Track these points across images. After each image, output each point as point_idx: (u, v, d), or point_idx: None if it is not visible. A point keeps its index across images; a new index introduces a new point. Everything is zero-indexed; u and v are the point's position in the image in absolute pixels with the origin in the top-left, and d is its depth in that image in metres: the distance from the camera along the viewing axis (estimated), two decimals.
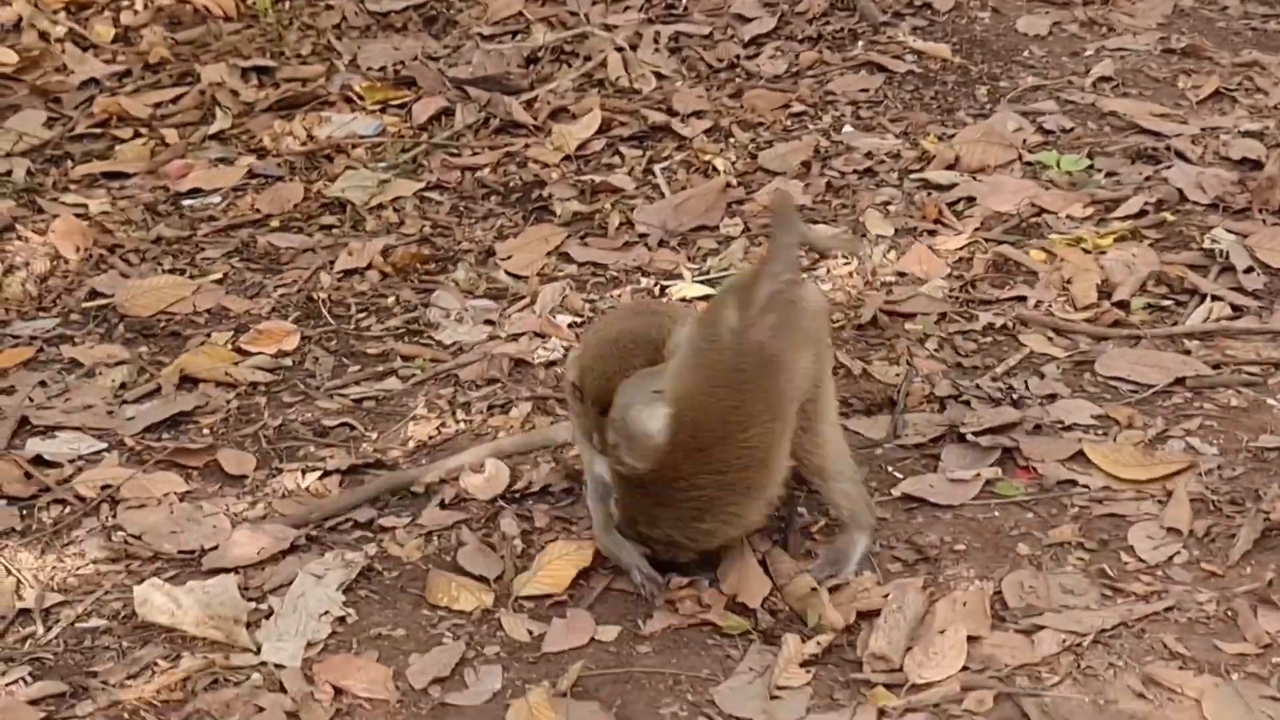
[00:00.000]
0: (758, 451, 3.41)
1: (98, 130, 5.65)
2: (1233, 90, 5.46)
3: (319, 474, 3.98)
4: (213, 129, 5.60)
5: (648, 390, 3.47)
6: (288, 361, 4.43)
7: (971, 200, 4.90)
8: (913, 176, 5.06)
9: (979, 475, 3.80)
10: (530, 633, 3.46)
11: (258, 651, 3.44)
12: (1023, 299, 4.46)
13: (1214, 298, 4.41)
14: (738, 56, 5.78)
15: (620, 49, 5.78)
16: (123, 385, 4.36)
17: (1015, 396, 4.05)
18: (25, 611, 3.61)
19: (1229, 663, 3.30)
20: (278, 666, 3.39)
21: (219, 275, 4.82)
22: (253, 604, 3.56)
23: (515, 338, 4.44)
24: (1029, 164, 5.07)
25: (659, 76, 5.70)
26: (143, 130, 5.63)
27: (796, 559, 3.56)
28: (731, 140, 5.31)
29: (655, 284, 4.64)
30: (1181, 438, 3.91)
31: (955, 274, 4.57)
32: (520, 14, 6.07)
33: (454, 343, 4.47)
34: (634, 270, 4.72)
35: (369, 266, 4.79)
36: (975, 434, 3.90)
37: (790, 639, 3.34)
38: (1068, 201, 4.84)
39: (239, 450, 4.08)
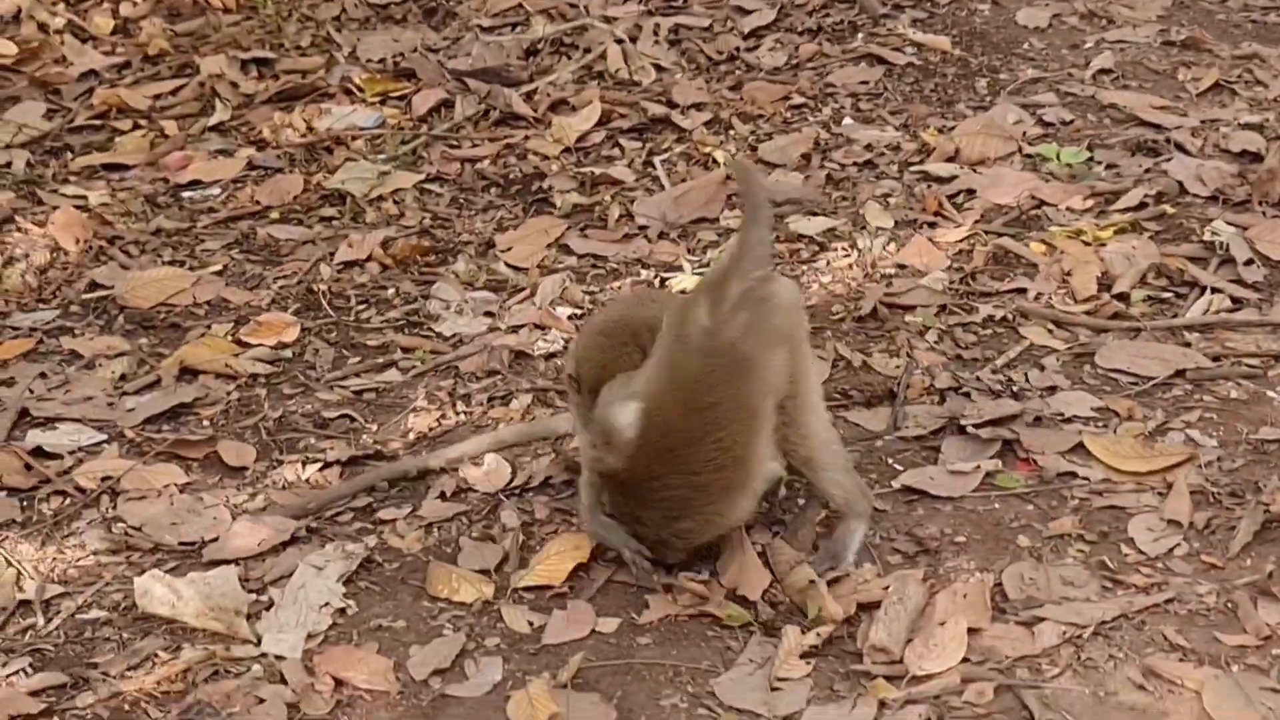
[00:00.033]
0: (732, 451, 3.40)
1: (97, 122, 5.65)
2: (1233, 83, 5.46)
3: (319, 465, 3.98)
4: (212, 121, 5.60)
5: (628, 390, 3.48)
6: (288, 353, 4.43)
7: (971, 192, 4.90)
8: (913, 169, 5.06)
9: (979, 467, 3.80)
10: (530, 624, 3.46)
11: (258, 643, 3.44)
12: (1023, 291, 4.46)
13: (1214, 290, 4.41)
14: (737, 49, 5.78)
15: (620, 41, 5.78)
16: (123, 377, 4.36)
17: (1015, 389, 4.06)
18: (26, 603, 3.61)
19: (1229, 654, 3.30)
20: (278, 658, 3.39)
21: (219, 267, 4.82)
22: (253, 595, 3.56)
23: (515, 330, 4.44)
24: (1029, 156, 5.07)
25: (659, 69, 5.70)
26: (142, 122, 5.63)
27: (802, 551, 3.56)
28: (731, 132, 5.31)
29: (655, 276, 4.64)
30: (1181, 430, 3.91)
31: (955, 266, 4.57)
32: (520, 6, 6.07)
33: (454, 334, 4.47)
34: (634, 262, 4.72)
35: (369, 258, 4.79)
36: (975, 426, 3.90)
37: (790, 631, 3.34)
38: (1068, 194, 4.84)
39: (239, 442, 4.08)
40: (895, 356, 4.21)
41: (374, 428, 4.12)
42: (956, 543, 3.62)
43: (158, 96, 5.75)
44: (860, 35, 5.81)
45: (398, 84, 5.71)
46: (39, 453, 4.06)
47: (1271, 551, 3.55)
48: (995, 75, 5.56)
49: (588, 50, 5.79)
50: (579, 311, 4.48)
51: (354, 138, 5.42)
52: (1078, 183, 4.91)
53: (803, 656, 3.32)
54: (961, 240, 4.67)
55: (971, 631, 3.35)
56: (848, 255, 4.66)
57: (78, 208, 5.09)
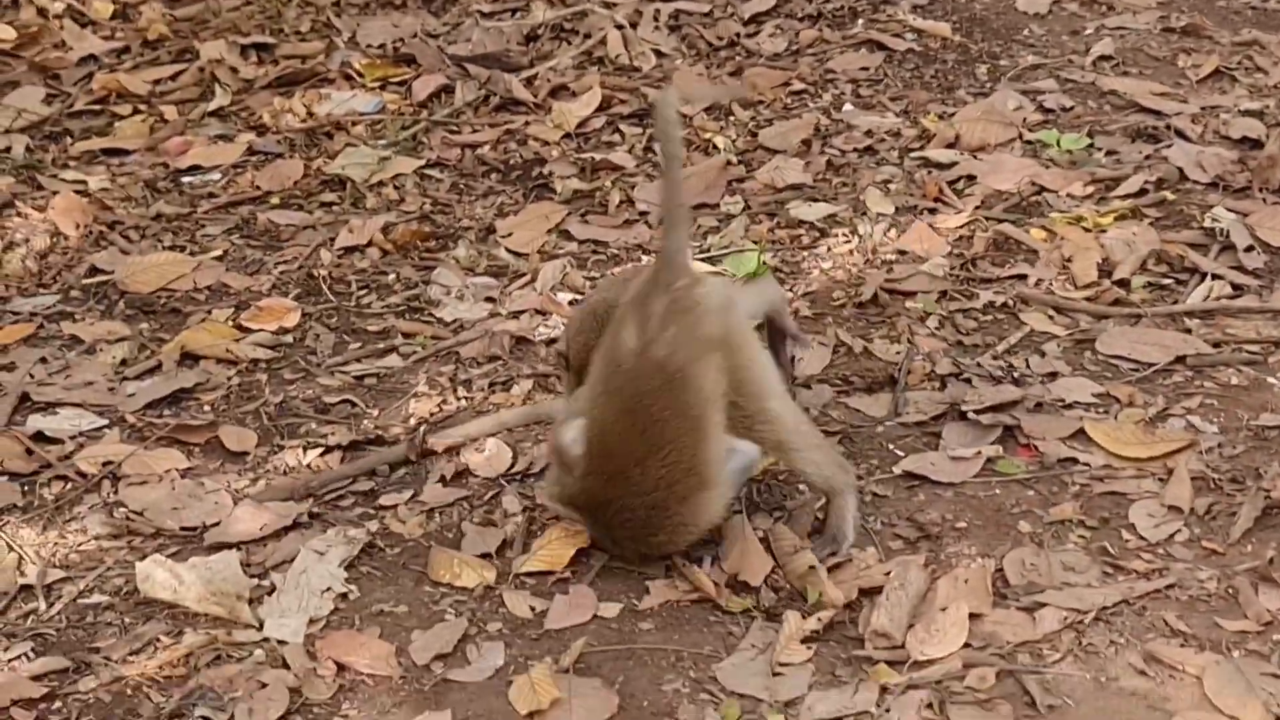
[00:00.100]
0: (681, 464, 3.39)
1: (97, 107, 5.64)
2: (1233, 69, 5.46)
3: (320, 450, 3.98)
4: (212, 106, 5.59)
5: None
6: (288, 338, 4.43)
7: (972, 179, 4.90)
8: (913, 155, 5.06)
9: (980, 453, 3.80)
10: (532, 609, 3.46)
11: (260, 628, 3.44)
12: (1023, 277, 4.46)
13: (1214, 276, 4.41)
14: (738, 34, 5.78)
15: (620, 27, 5.77)
16: (123, 362, 4.36)
17: (1016, 375, 4.06)
18: (27, 587, 3.61)
19: (1230, 640, 3.31)
20: (280, 643, 3.40)
21: (219, 252, 4.82)
22: (255, 580, 3.56)
23: (516, 315, 4.44)
24: (1029, 142, 5.07)
25: (659, 54, 5.70)
26: (142, 107, 5.63)
27: (803, 536, 3.56)
28: (732, 118, 5.31)
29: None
30: (1182, 416, 3.91)
31: (956, 252, 4.57)
32: None
33: (455, 320, 4.47)
34: (634, 248, 4.72)
35: (369, 244, 4.79)
36: (976, 412, 3.91)
37: (791, 616, 3.35)
38: (1068, 180, 4.84)
39: (240, 427, 4.08)
40: (896, 342, 4.21)
41: (375, 413, 4.12)
42: (958, 528, 3.62)
43: (157, 81, 5.75)
44: (860, 21, 5.80)
45: (398, 69, 5.71)
46: (40, 437, 4.06)
47: (1272, 537, 3.56)
48: (995, 61, 5.56)
49: (588, 36, 5.79)
50: (579, 297, 4.48)
51: (354, 123, 5.42)
52: (1078, 169, 4.91)
53: (804, 642, 3.33)
54: (962, 226, 4.67)
55: (973, 617, 3.36)
56: (848, 241, 4.66)
57: (78, 193, 5.08)
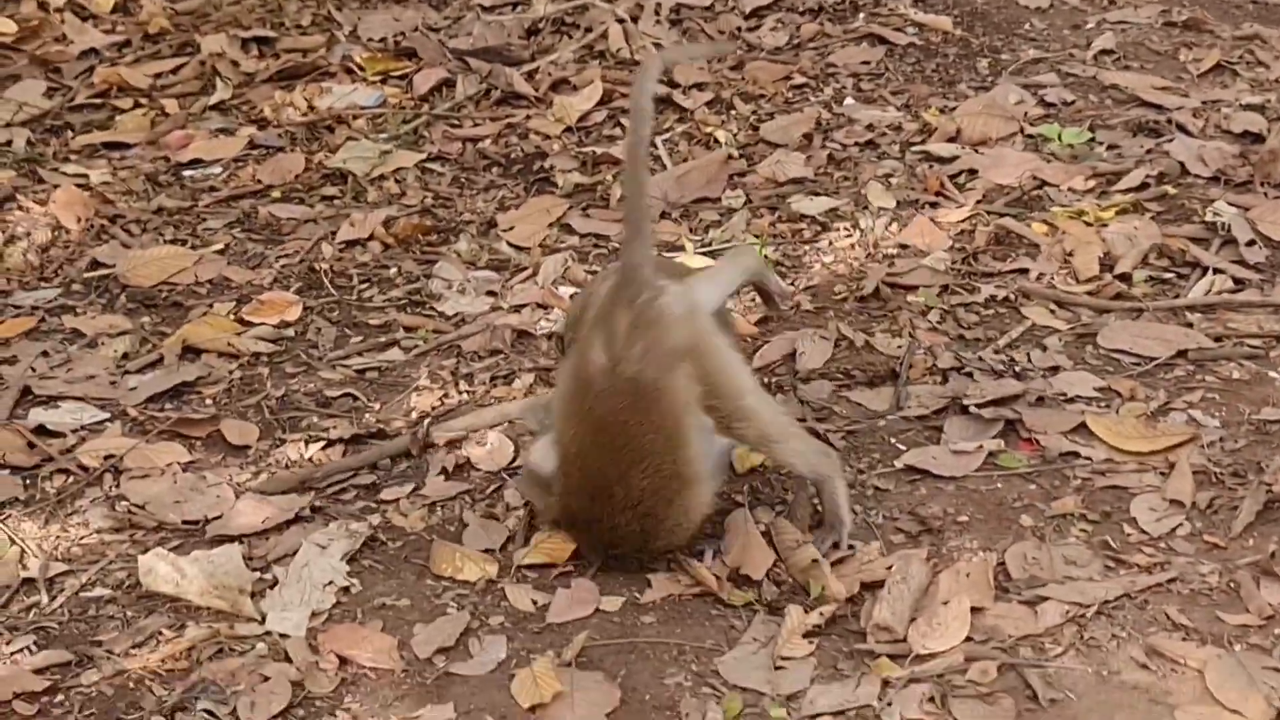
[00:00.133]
0: (664, 470, 3.39)
1: (98, 100, 5.63)
2: (1234, 63, 5.46)
3: (322, 444, 3.98)
4: (213, 99, 5.58)
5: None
6: (290, 332, 4.43)
7: (973, 173, 4.90)
8: (914, 149, 5.05)
9: (981, 447, 3.81)
10: (534, 603, 3.47)
11: (262, 621, 3.44)
12: (1025, 271, 4.46)
13: (1216, 271, 4.41)
14: (739, 28, 5.77)
15: (621, 20, 5.77)
16: (125, 355, 4.35)
17: (1018, 369, 4.06)
18: (29, 581, 3.61)
19: (1232, 634, 3.31)
20: (283, 636, 3.40)
21: (221, 246, 4.82)
22: (257, 574, 3.56)
23: (518, 309, 4.44)
24: (1030, 137, 5.07)
25: (659, 48, 5.68)
26: (143, 100, 5.62)
27: (803, 530, 3.56)
28: (733, 112, 5.31)
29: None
30: (1184, 410, 3.92)
31: (957, 246, 4.57)
32: None
33: (456, 314, 4.47)
34: None
35: (371, 237, 4.79)
36: (978, 406, 3.91)
37: (794, 610, 3.35)
38: (1069, 174, 4.84)
39: (242, 420, 4.08)
40: (898, 336, 4.22)
41: (376, 407, 4.12)
42: (959, 522, 3.62)
43: (158, 75, 5.74)
44: (861, 15, 5.80)
45: (399, 63, 5.70)
46: (41, 431, 4.06)
47: (1274, 531, 3.56)
48: (997, 55, 5.56)
49: (589, 30, 5.78)
50: (581, 291, 4.48)
51: (355, 117, 5.42)
52: (1079, 163, 4.91)
53: (806, 636, 3.33)
54: (963, 220, 4.67)
55: (975, 611, 3.36)
56: (850, 235, 4.66)
57: (79, 186, 5.08)
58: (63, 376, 4.26)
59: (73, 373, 4.28)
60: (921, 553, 3.50)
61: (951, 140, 5.06)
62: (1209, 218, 4.60)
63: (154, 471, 3.91)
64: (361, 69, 5.67)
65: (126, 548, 3.69)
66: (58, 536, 3.74)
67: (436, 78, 5.57)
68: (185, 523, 3.75)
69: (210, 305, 4.54)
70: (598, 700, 3.21)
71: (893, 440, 3.88)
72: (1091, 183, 4.79)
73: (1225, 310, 4.28)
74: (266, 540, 3.67)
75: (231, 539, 3.65)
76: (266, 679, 3.29)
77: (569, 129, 5.28)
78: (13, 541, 3.71)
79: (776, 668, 3.27)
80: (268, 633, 3.42)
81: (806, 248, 4.63)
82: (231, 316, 4.48)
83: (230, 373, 4.26)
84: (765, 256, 4.53)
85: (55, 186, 5.07)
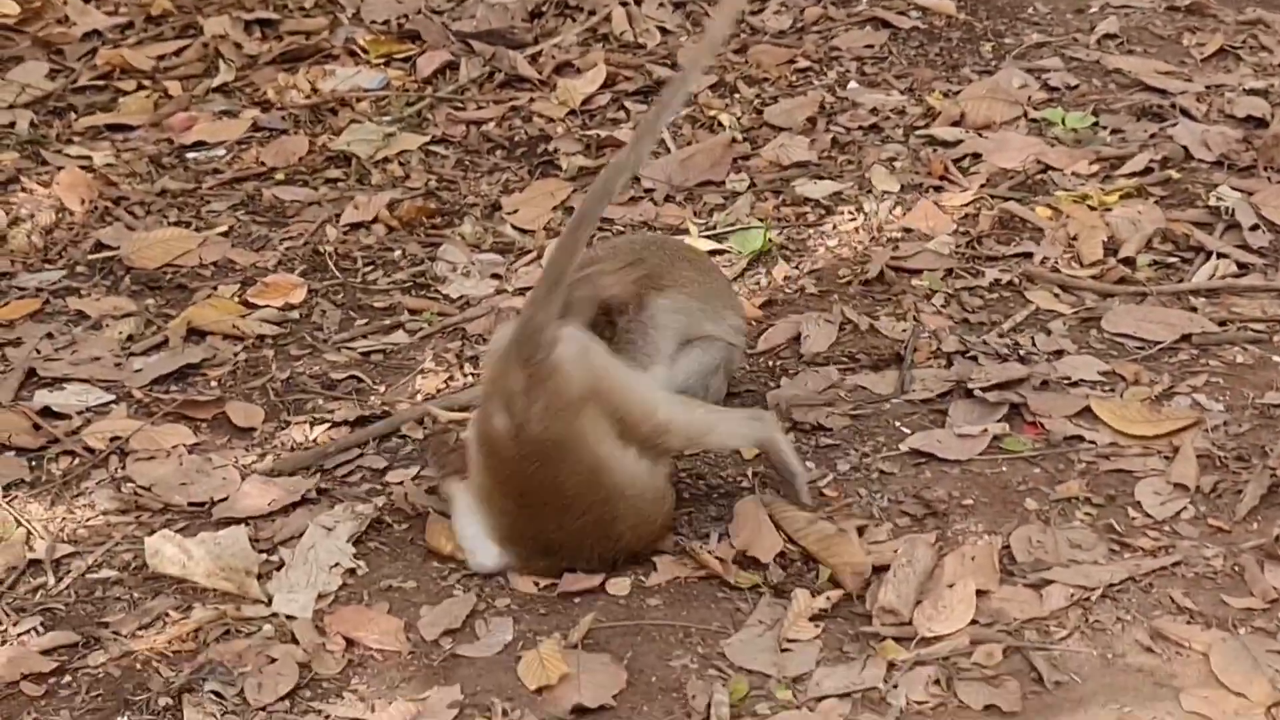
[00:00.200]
0: (595, 505, 3.37)
1: (100, 82, 5.63)
2: (1237, 48, 5.46)
3: (327, 426, 3.99)
4: (216, 82, 5.58)
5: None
6: (295, 314, 4.43)
7: (977, 157, 4.90)
8: (918, 133, 5.05)
9: (986, 431, 3.81)
10: (540, 585, 3.47)
11: (269, 603, 3.45)
12: (1029, 255, 4.46)
13: (1220, 255, 4.41)
14: (742, 11, 5.76)
15: (625, 3, 5.76)
16: (130, 337, 4.36)
17: (1022, 352, 4.06)
18: (36, 562, 3.61)
19: (1236, 617, 3.32)
20: (289, 618, 3.40)
21: (225, 228, 4.82)
22: (263, 555, 3.57)
23: (522, 292, 4.44)
24: (1034, 121, 5.07)
25: (663, 31, 5.69)
26: (146, 83, 5.61)
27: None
28: (737, 96, 5.31)
29: (664, 237, 4.64)
30: (1188, 394, 3.92)
31: (961, 230, 4.57)
32: None
33: (461, 296, 4.48)
34: (640, 225, 4.72)
35: (375, 220, 4.79)
36: (983, 390, 3.91)
37: (800, 594, 3.35)
38: (1073, 158, 4.84)
39: (247, 403, 4.08)
40: (902, 320, 4.22)
41: (381, 389, 4.13)
42: (964, 505, 3.63)
43: (161, 57, 5.73)
44: None
45: (402, 46, 5.70)
46: (47, 413, 4.06)
47: (1278, 515, 3.56)
48: (1000, 40, 5.56)
49: (592, 13, 5.78)
50: None
51: (359, 99, 5.41)
52: (1083, 147, 4.91)
53: (812, 619, 3.34)
54: (967, 204, 4.67)
55: (980, 594, 3.36)
56: (854, 219, 4.66)
57: (82, 168, 5.08)
58: (67, 358, 4.26)
59: (77, 355, 4.28)
60: (927, 536, 3.51)
61: (955, 124, 5.06)
62: (1213, 202, 4.60)
63: (160, 453, 3.91)
64: (365, 51, 5.67)
65: (133, 529, 3.70)
66: (64, 518, 3.74)
67: (440, 60, 5.57)
68: (191, 504, 3.76)
69: (215, 287, 4.54)
70: (604, 682, 3.22)
71: (897, 424, 3.88)
72: (1095, 167, 4.80)
73: (1229, 295, 4.28)
74: (273, 522, 3.68)
75: (238, 521, 3.66)
76: (273, 660, 3.30)
77: (572, 112, 5.28)
78: (19, 523, 3.71)
79: (782, 650, 3.28)
80: (274, 614, 3.42)
81: (811, 231, 4.63)
82: (236, 299, 4.48)
83: (235, 355, 4.27)
84: (770, 239, 4.54)
85: (59, 168, 5.07)
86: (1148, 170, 4.77)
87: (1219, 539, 3.52)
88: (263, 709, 3.21)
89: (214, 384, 4.17)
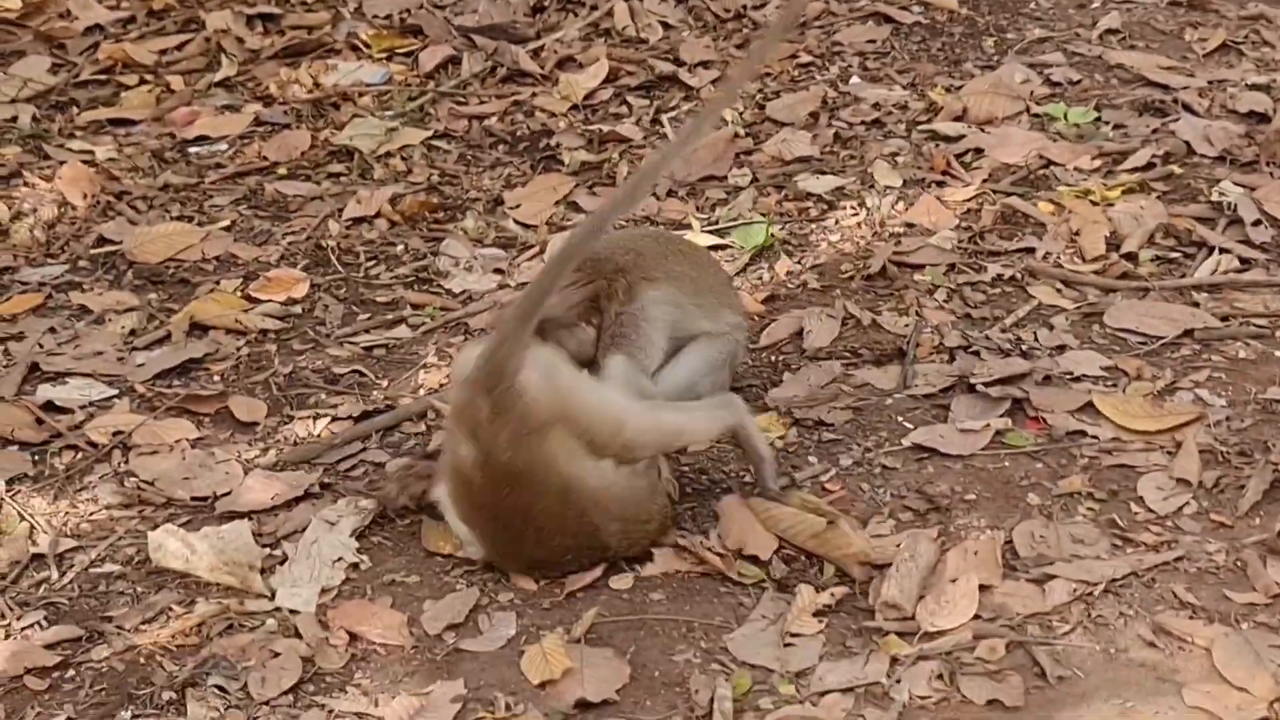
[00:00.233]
0: (579, 520, 3.37)
1: (103, 77, 5.63)
2: (1240, 43, 5.46)
3: (330, 420, 3.99)
4: (218, 76, 5.58)
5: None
6: (297, 309, 4.43)
7: (979, 152, 4.90)
8: (920, 128, 5.05)
9: (989, 425, 3.81)
10: (541, 580, 3.47)
11: (272, 597, 3.45)
12: (1031, 251, 4.46)
13: (1222, 250, 4.42)
14: (744, 6, 5.77)
15: None
16: (132, 332, 4.36)
17: (1024, 347, 4.07)
18: (39, 556, 3.62)
19: (1239, 612, 3.32)
20: (292, 612, 3.41)
21: (227, 223, 4.82)
22: (266, 550, 3.57)
23: (524, 286, 4.44)
24: (1036, 116, 5.07)
25: (666, 26, 5.69)
26: (148, 77, 5.61)
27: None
28: (739, 90, 5.30)
29: (663, 232, 4.64)
30: (1190, 389, 3.92)
31: (964, 225, 4.57)
32: None
33: (463, 291, 4.48)
34: (642, 220, 4.72)
35: (377, 215, 4.79)
36: (985, 384, 3.91)
37: (805, 590, 3.36)
38: (1075, 153, 4.84)
39: (250, 397, 4.09)
40: (904, 315, 4.22)
41: (384, 384, 4.13)
42: (967, 500, 3.63)
43: (163, 52, 5.74)
44: None
45: (404, 40, 5.70)
46: (50, 407, 4.06)
47: None
48: (1002, 34, 5.56)
49: (594, 7, 5.78)
50: None
51: (361, 94, 5.41)
52: (1085, 143, 4.91)
53: (815, 614, 3.34)
54: (970, 199, 4.67)
55: (983, 588, 3.37)
56: (856, 214, 4.67)
57: (85, 163, 5.08)
58: (70, 353, 4.26)
59: (80, 349, 4.28)
60: (930, 531, 3.51)
61: (958, 119, 5.07)
62: (1215, 197, 4.61)
63: (163, 448, 3.92)
64: (367, 46, 5.67)
65: (136, 524, 3.70)
66: (67, 512, 3.74)
67: (442, 55, 5.57)
68: (194, 499, 3.76)
69: (217, 282, 4.54)
70: (607, 677, 3.22)
71: (900, 419, 3.88)
72: (1097, 162, 4.80)
73: (1231, 290, 4.28)
74: (275, 517, 3.68)
75: (241, 515, 3.66)
76: (276, 655, 3.30)
77: (575, 107, 5.28)
78: (22, 517, 3.72)
79: (785, 645, 3.28)
80: (277, 609, 3.43)
81: (813, 226, 4.63)
82: (239, 293, 4.48)
83: (238, 349, 4.27)
84: (772, 234, 4.54)
85: (61, 163, 5.07)
86: (1150, 165, 4.78)
87: (1221, 534, 3.52)
88: (266, 703, 3.21)
89: (217, 379, 4.17)
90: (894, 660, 3.24)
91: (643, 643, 3.31)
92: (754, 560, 3.48)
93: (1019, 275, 4.35)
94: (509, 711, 3.16)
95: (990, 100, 5.10)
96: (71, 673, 3.32)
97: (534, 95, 5.35)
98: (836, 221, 4.64)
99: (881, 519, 3.58)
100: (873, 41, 5.54)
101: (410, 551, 3.58)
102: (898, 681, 3.19)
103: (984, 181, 4.74)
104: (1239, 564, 3.44)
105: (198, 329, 4.34)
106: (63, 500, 3.78)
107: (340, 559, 3.54)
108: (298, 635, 3.35)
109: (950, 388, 3.95)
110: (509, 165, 5.04)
